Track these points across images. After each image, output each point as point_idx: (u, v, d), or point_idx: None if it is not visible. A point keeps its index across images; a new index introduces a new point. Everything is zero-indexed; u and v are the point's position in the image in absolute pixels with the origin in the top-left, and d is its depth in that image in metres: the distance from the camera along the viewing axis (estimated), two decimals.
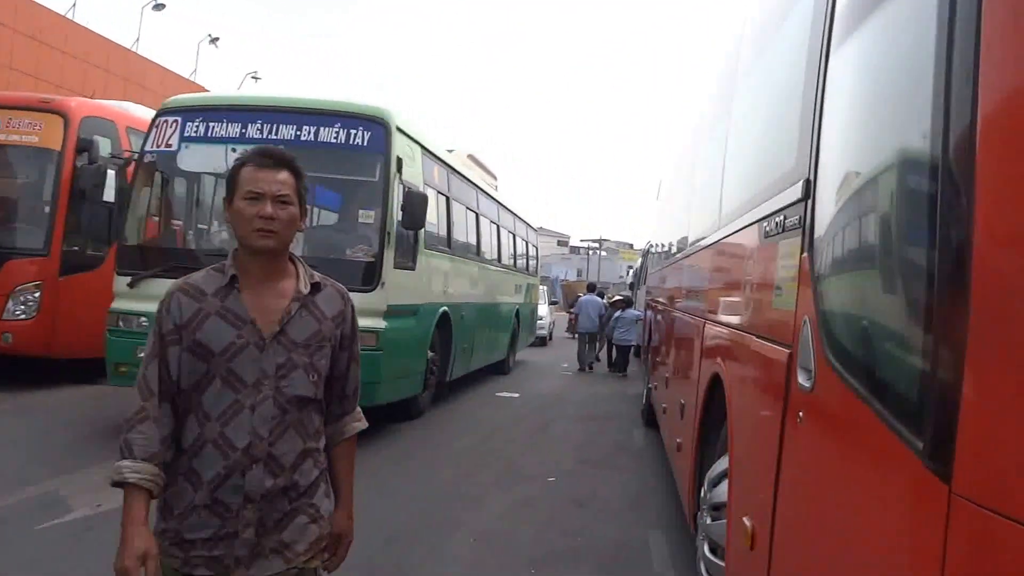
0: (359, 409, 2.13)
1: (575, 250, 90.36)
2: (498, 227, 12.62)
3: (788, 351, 2.28)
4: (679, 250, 6.47)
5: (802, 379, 2.11)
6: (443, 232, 9.15)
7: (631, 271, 28.66)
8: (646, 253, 18.07)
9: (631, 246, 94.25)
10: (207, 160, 7.22)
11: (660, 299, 8.23)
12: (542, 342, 21.40)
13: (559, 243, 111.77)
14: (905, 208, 1.58)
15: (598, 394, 12.12)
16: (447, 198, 9.27)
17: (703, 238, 4.71)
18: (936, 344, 1.31)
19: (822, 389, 1.97)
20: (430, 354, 8.54)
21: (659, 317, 8.17)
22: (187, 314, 1.84)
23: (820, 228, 2.10)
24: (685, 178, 6.74)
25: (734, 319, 3.32)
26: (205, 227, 7.99)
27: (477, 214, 11.03)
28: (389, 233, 6.85)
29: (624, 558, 4.68)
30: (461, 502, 5.64)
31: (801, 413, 2.10)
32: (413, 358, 7.99)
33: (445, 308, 8.89)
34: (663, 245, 8.89)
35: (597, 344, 16.53)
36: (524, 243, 15.47)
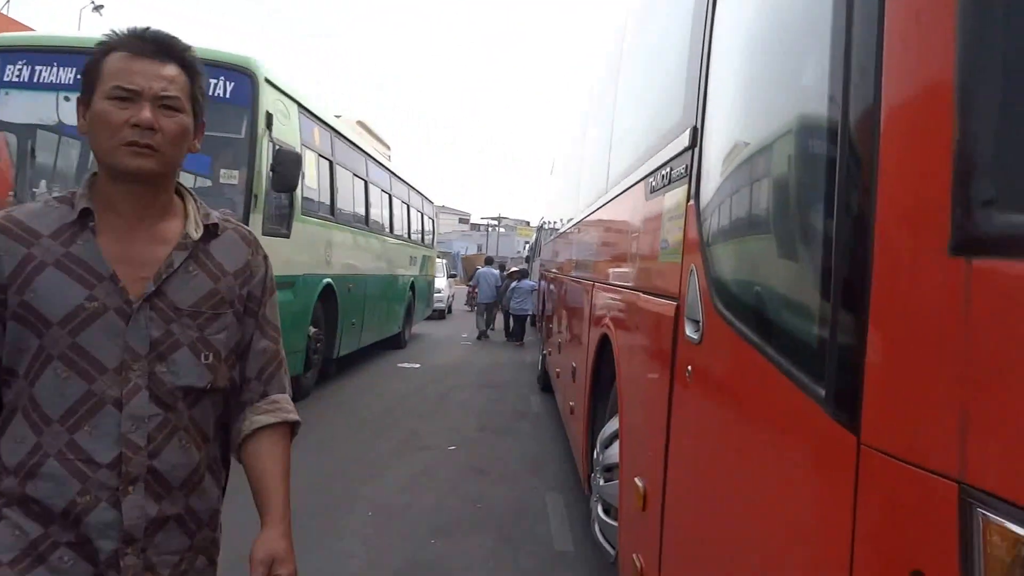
0: (286, 395, 1.53)
1: (476, 227, 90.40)
2: (390, 197, 12.04)
3: (675, 304, 2.25)
4: (570, 220, 6.49)
5: (690, 331, 2.08)
6: (326, 199, 8.50)
7: (527, 246, 28.92)
8: (540, 228, 18.21)
9: (528, 223, 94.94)
10: (33, 109, 6.15)
11: (553, 269, 8.25)
12: (440, 315, 20.86)
13: (460, 220, 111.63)
14: (797, 146, 1.52)
15: (497, 363, 12.13)
16: (331, 163, 8.58)
17: (591, 205, 4.70)
18: (836, 284, 1.21)
19: (712, 339, 1.93)
20: (312, 330, 7.92)
21: (551, 286, 8.20)
22: (7, 264, 1.25)
23: (707, 174, 2.06)
24: (575, 152, 6.73)
25: (621, 279, 3.30)
26: (35, 189, 6.65)
27: (366, 182, 10.35)
28: (256, 196, 6.21)
29: (523, 522, 4.66)
30: (360, 475, 5.48)
31: (690, 367, 2.07)
32: (289, 335, 7.09)
33: (329, 280, 8.27)
34: (556, 219, 8.92)
35: (492, 313, 16.95)
36: (420, 215, 14.95)
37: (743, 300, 1.78)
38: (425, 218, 15.60)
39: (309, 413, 7.10)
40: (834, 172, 1.24)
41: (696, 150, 2.18)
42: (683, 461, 2.15)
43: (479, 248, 55.30)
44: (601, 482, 3.30)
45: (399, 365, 11.08)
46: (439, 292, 19.65)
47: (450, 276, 24.04)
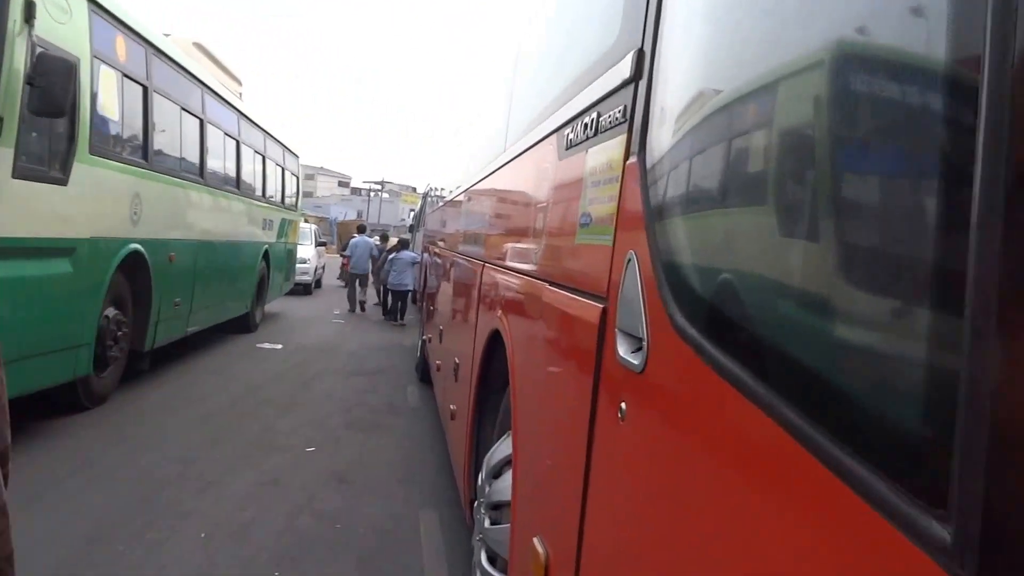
0: None
1: (357, 191, 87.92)
2: (238, 144, 10.04)
3: (600, 306, 1.55)
4: (459, 187, 5.70)
5: (624, 351, 1.38)
6: (136, 137, 6.57)
7: (412, 214, 27.80)
8: (426, 195, 17.27)
9: (414, 189, 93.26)
10: None
11: (437, 241, 7.43)
12: (306, 290, 18.59)
13: (340, 183, 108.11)
14: (832, 67, 0.86)
15: (371, 344, 11.23)
16: (145, 89, 6.64)
17: (485, 167, 3.97)
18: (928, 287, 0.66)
19: (663, 368, 1.25)
20: (111, 313, 6.17)
21: (436, 260, 7.39)
22: None
23: (661, 115, 1.37)
24: (470, 106, 5.97)
25: (521, 262, 2.59)
26: None
27: (202, 121, 8.41)
28: (1, 119, 4.53)
29: (390, 548, 3.92)
30: (193, 485, 4.58)
31: (624, 405, 1.38)
32: (62, 323, 5.38)
33: (137, 246, 6.35)
34: (444, 185, 8.09)
35: (364, 286, 15.82)
36: (280, 170, 12.89)
37: (726, 309, 1.10)
38: (287, 174, 13.51)
39: (119, 415, 6.04)
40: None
41: (643, 83, 1.48)
42: (609, 535, 1.47)
43: (359, 214, 53.15)
44: (487, 522, 2.59)
45: (257, 346, 9.99)
46: (304, 263, 17.58)
47: (319, 244, 21.12)
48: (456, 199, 5.73)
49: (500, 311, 2.82)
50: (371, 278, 15.88)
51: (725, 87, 1.19)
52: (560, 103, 2.13)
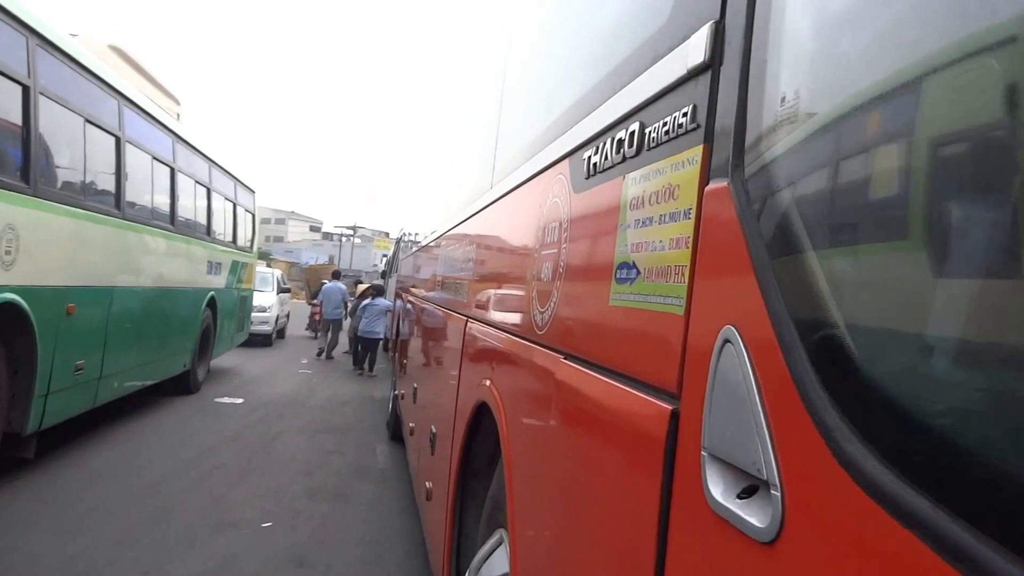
0: None
1: (328, 236, 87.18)
2: (173, 171, 8.51)
3: (668, 407, 1.02)
4: (435, 230, 5.17)
5: (724, 493, 0.86)
6: (7, 150, 5.13)
7: (384, 259, 27.16)
8: (399, 240, 16.75)
9: (387, 234, 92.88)
10: None
11: (411, 288, 6.86)
12: (266, 341, 16.66)
13: (312, 228, 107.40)
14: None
15: (340, 397, 10.54)
16: (26, 89, 5.16)
17: (467, 209, 3.45)
18: None
19: (819, 537, 0.72)
20: None
21: (409, 308, 6.82)
22: None
23: (766, 118, 0.87)
24: (447, 148, 5.51)
25: (516, 321, 2.05)
26: None
27: (119, 140, 6.85)
28: None
29: None
30: (125, 573, 3.91)
31: None
32: None
33: (10, 296, 4.92)
34: (419, 229, 7.56)
35: (336, 333, 15.58)
36: (230, 205, 11.32)
37: (947, 433, 0.60)
38: (240, 211, 11.89)
39: (48, 488, 5.34)
40: None
41: (727, 70, 0.98)
42: None
43: (330, 259, 52.16)
44: None
45: (216, 400, 9.27)
46: (263, 311, 15.91)
47: (282, 291, 18.93)
48: (433, 243, 5.16)
49: (489, 381, 2.27)
50: (344, 324, 15.38)
51: (867, 72, 0.69)
52: (575, 117, 1.62)
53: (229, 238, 11.23)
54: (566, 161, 1.66)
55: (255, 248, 13.21)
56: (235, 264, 11.40)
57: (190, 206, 9.30)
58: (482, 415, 2.37)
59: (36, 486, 5.26)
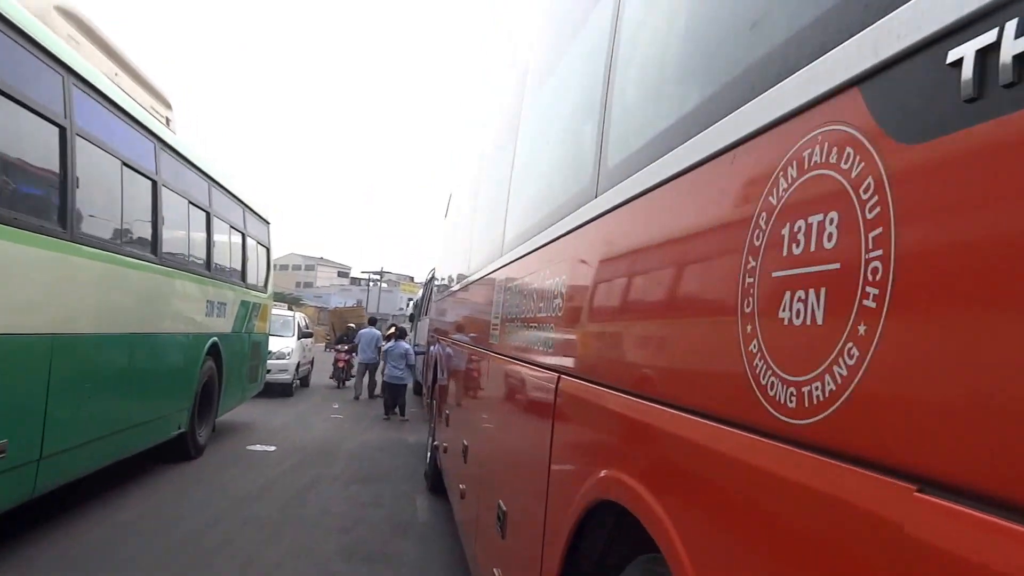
0: None
1: (356, 281, 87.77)
2: (155, 187, 6.58)
3: None
4: (490, 263, 4.67)
5: None
6: None
7: (411, 303, 26.89)
8: (429, 280, 16.53)
9: (412, 279, 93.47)
10: None
11: (452, 333, 6.52)
12: (285, 391, 15.03)
13: (340, 274, 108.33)
14: None
15: (373, 444, 10.15)
16: None
17: (550, 232, 2.72)
18: None
19: None
20: None
21: (449, 352, 6.47)
22: None
23: None
24: (493, 177, 5.17)
25: (703, 390, 1.35)
26: None
27: (64, 130, 4.88)
28: None
29: None
30: None
31: None
32: None
33: None
34: (459, 265, 7.24)
35: (372, 376, 16.23)
36: (237, 235, 9.57)
37: None
38: (251, 244, 10.16)
39: (73, 548, 4.99)
40: None
41: None
42: None
43: (358, 303, 51.95)
44: None
45: (248, 448, 8.94)
46: (282, 359, 14.75)
47: (304, 335, 17.10)
48: (486, 277, 4.60)
49: (630, 474, 1.58)
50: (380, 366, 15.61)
51: None
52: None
53: (236, 274, 9.51)
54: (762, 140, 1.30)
55: (270, 287, 11.49)
56: (244, 305, 9.70)
57: (181, 233, 7.52)
58: (601, 515, 1.79)
59: (63, 544, 4.93)
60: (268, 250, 11.38)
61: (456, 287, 5.89)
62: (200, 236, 8.04)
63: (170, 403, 7.19)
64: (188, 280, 7.56)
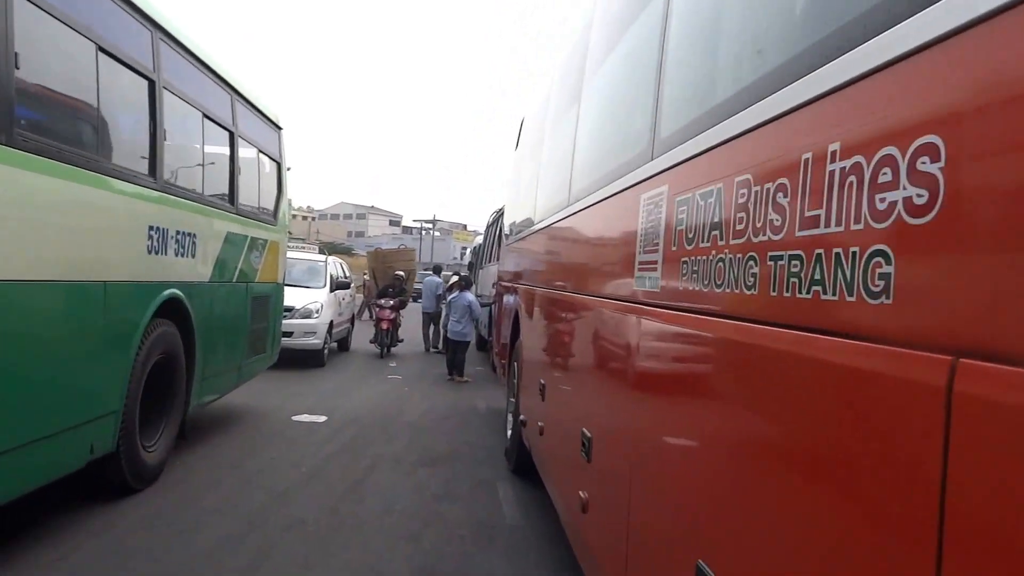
0: None
1: (408, 230, 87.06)
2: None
3: None
4: (619, 174, 3.21)
5: None
6: None
7: (465, 251, 25.38)
8: (494, 223, 14.99)
9: (465, 227, 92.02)
10: None
11: (554, 281, 5.03)
12: (316, 359, 11.59)
13: (391, 222, 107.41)
14: None
15: (438, 411, 8.83)
16: None
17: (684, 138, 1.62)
18: None
19: None
20: None
21: (542, 305, 5.00)
22: None
23: None
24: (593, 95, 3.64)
25: None
26: None
27: None
28: None
29: None
30: None
31: None
32: None
33: None
34: (544, 199, 5.71)
35: (436, 326, 15.17)
36: (223, 134, 6.56)
37: None
38: (244, 150, 7.03)
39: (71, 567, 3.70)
40: None
41: None
42: None
43: (402, 245, 50.58)
44: None
45: (294, 419, 7.68)
46: (308, 318, 11.30)
47: (339, 287, 13.35)
48: (627, 191, 2.96)
49: None
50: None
51: None
52: None
53: (219, 194, 6.40)
54: None
55: (283, 218, 8.37)
56: (235, 241, 6.59)
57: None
58: None
59: (79, 557, 3.69)
60: (280, 166, 8.24)
61: (557, 219, 4.33)
62: (141, 119, 4.92)
63: (70, 408, 4.04)
64: (107, 189, 4.33)
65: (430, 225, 66.26)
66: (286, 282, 9.96)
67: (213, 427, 6.88)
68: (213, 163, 6.31)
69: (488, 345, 12.48)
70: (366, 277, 20.44)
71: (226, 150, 6.59)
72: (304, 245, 16.37)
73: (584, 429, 3.12)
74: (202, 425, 6.71)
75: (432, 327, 15.35)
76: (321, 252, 15.30)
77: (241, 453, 6.15)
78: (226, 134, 6.56)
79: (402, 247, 20.63)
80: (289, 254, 12.03)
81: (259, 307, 7.36)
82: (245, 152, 7.03)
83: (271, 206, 8.04)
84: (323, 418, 7.75)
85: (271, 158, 8.00)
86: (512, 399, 6.30)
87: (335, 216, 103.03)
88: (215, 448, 6.24)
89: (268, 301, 7.71)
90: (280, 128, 8.33)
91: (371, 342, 14.05)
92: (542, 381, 4.30)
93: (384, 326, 13.75)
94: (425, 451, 6.70)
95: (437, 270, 16.95)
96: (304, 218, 79.84)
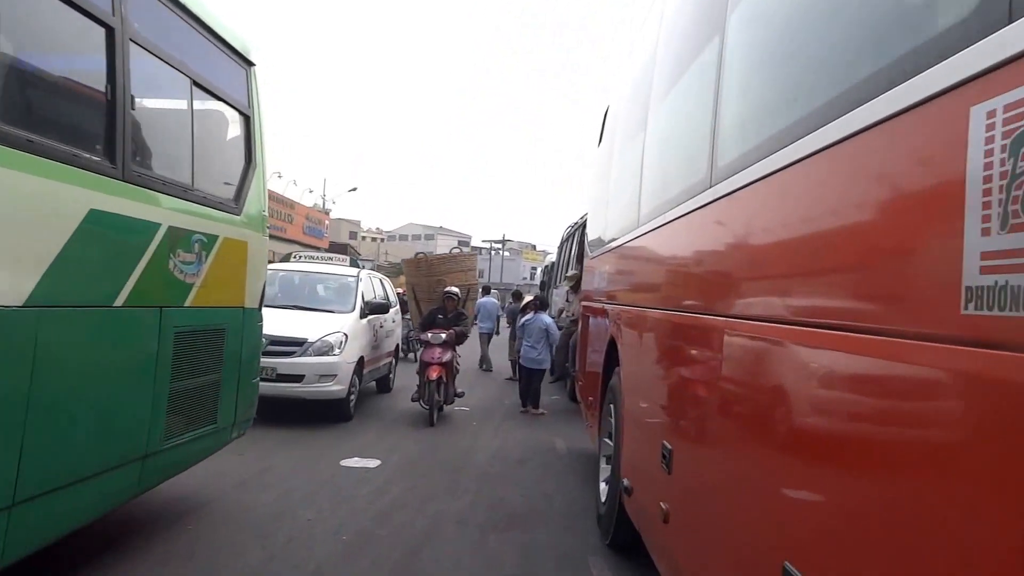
0: None
1: (477, 250, 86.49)
2: None
3: None
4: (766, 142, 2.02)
5: None
6: None
7: (535, 271, 24.15)
8: (568, 238, 13.71)
9: (534, 247, 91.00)
10: None
11: (655, 296, 3.72)
12: (339, 412, 8.33)
13: (460, 242, 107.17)
14: None
15: (511, 452, 7.56)
16: None
17: None
18: None
19: None
20: None
21: (645, 334, 3.71)
22: None
23: None
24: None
25: None
26: None
27: None
28: None
29: None
30: None
31: None
32: None
33: None
34: (637, 200, 4.42)
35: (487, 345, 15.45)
36: (125, 52, 3.38)
37: None
38: (208, 104, 4.68)
39: None
40: None
41: None
42: None
43: (480, 274, 49.44)
44: None
45: (343, 464, 6.52)
46: (324, 356, 8.05)
47: (374, 310, 9.67)
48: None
49: None
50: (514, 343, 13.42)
51: None
52: None
53: (79, 139, 3.26)
54: None
55: (248, 203, 4.92)
56: (124, 230, 3.51)
57: None
58: None
59: None
60: (249, 121, 5.04)
61: (687, 210, 2.96)
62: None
63: None
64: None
65: (499, 245, 65.42)
66: (297, 305, 8.56)
67: (270, 465, 5.79)
68: (56, 83, 3.35)
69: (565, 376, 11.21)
70: (400, 292, 13.26)
71: (101, 65, 3.34)
72: (331, 257, 12.73)
73: (777, 556, 1.81)
74: (247, 459, 5.62)
75: (482, 348, 15.40)
76: (354, 265, 11.39)
77: (277, 508, 5.01)
78: (100, 30, 3.30)
79: (456, 251, 12.51)
80: (308, 267, 10.49)
81: (196, 348, 4.20)
82: (160, 80, 4.06)
83: (232, 181, 4.86)
84: (375, 463, 6.57)
85: (231, 105, 4.80)
86: (612, 455, 4.98)
87: (403, 237, 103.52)
88: (242, 499, 5.13)
89: (219, 338, 4.50)
90: (251, 64, 5.05)
91: (414, 399, 8.93)
92: (668, 445, 2.98)
93: (433, 374, 8.61)
94: (496, 508, 5.44)
95: (487, 291, 16.45)
96: (373, 239, 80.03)
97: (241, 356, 4.84)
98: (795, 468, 1.82)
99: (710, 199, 2.59)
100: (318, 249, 30.66)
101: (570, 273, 11.06)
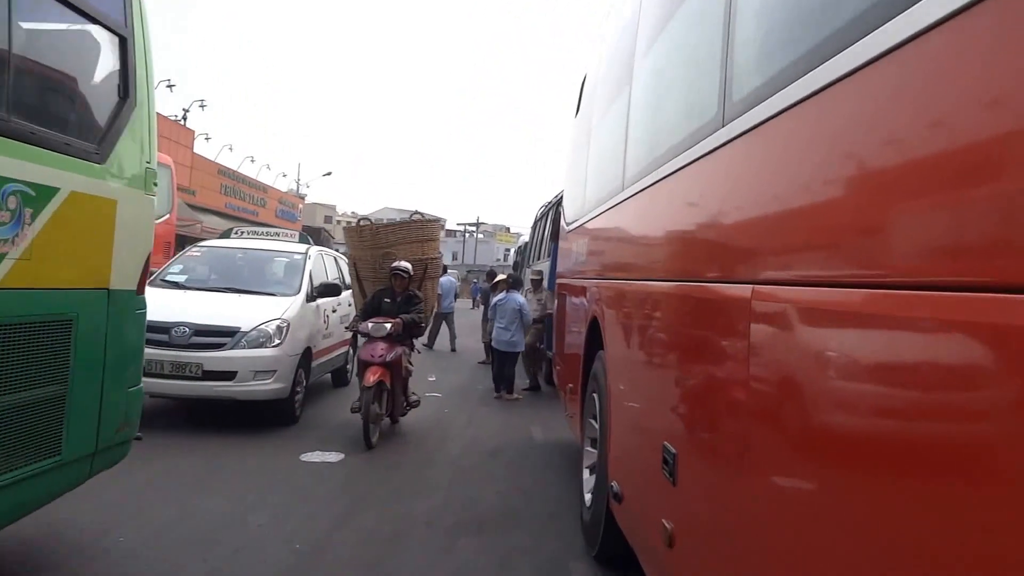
0: None
1: (451, 233, 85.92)
2: None
3: None
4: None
5: None
6: None
7: (509, 253, 23.62)
8: (543, 217, 13.16)
9: (507, 229, 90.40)
10: None
11: (650, 265, 3.22)
12: (282, 412, 6.98)
13: (417, 213, 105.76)
14: None
15: (485, 442, 7.06)
16: None
17: None
18: None
19: None
20: None
21: (649, 310, 3.22)
22: None
23: None
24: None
25: None
26: None
27: None
28: None
29: None
30: None
31: None
32: None
33: None
34: (622, 159, 3.91)
35: (437, 324, 14.67)
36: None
37: None
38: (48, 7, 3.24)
39: None
40: None
41: None
42: None
43: (454, 256, 48.56)
44: None
45: (303, 459, 5.97)
46: (259, 348, 6.64)
47: (323, 293, 8.09)
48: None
49: None
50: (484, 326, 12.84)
51: None
52: None
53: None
54: None
55: (136, 156, 3.69)
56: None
57: None
58: None
59: None
60: (125, 43, 3.61)
61: (697, 155, 2.40)
62: None
63: None
64: None
65: (474, 228, 64.81)
66: (232, 287, 7.22)
67: (188, 468, 5.23)
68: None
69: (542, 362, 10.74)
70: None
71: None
72: (278, 232, 10.46)
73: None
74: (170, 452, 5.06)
75: (432, 324, 12.98)
76: (303, 241, 9.51)
77: (229, 510, 4.46)
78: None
79: (416, 216, 8.99)
80: (248, 243, 8.72)
81: (10, 350, 2.85)
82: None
83: (93, 120, 3.56)
84: (337, 456, 6.04)
85: (96, 20, 3.41)
86: (590, 446, 4.49)
87: (378, 220, 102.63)
88: (185, 501, 4.58)
89: (61, 334, 3.19)
90: None
91: (354, 409, 6.60)
92: (671, 448, 2.46)
93: (371, 378, 6.42)
94: (468, 507, 4.96)
95: (491, 275, 14.84)
96: (348, 223, 78.98)
97: (105, 357, 3.45)
98: (876, 483, 1.30)
99: (724, 139, 2.08)
100: (269, 226, 29.85)
101: (536, 268, 10.59)
